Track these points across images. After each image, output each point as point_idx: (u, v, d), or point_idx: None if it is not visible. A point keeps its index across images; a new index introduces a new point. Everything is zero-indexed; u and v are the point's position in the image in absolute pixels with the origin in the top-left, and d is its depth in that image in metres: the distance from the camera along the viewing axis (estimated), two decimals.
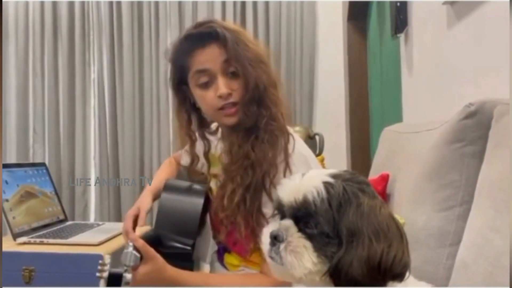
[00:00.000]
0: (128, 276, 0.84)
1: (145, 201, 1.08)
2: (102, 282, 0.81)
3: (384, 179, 1.23)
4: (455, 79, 1.26)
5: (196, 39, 1.00)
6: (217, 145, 1.13)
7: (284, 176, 0.96)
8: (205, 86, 1.01)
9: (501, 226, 0.64)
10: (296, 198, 0.57)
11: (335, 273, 0.54)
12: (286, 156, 0.98)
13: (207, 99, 1.02)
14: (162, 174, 1.26)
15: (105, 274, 0.81)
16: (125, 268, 0.84)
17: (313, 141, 2.36)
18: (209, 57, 0.99)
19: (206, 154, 1.13)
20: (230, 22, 1.06)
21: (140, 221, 1.05)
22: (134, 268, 0.93)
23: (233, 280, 1.04)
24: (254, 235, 0.99)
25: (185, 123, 1.10)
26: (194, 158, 1.12)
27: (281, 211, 0.61)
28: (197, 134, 1.12)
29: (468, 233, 0.76)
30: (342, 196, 0.56)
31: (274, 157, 0.98)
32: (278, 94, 1.02)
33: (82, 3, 3.22)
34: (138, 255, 0.86)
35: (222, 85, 0.99)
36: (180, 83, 1.07)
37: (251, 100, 0.99)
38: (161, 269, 0.96)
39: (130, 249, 0.86)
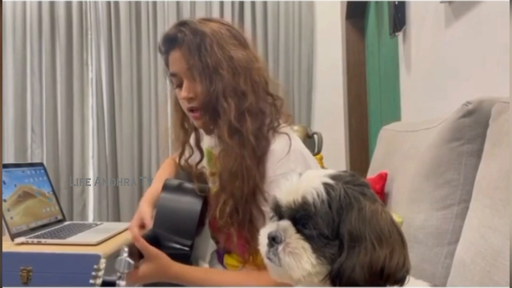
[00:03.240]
0: (122, 283, 0.84)
1: (145, 211, 1.09)
2: None
3: (382, 178, 1.23)
4: (453, 77, 1.26)
5: (167, 41, 1.04)
6: (217, 146, 1.13)
7: (262, 190, 0.96)
8: (178, 87, 1.05)
9: (499, 225, 0.64)
10: (295, 199, 0.57)
11: (336, 277, 0.54)
12: (254, 168, 0.97)
13: (180, 99, 1.06)
14: (162, 175, 1.27)
15: (99, 281, 0.81)
16: (119, 275, 0.84)
17: (311, 140, 2.36)
18: (174, 62, 1.03)
19: (198, 144, 1.14)
20: (212, 21, 1.04)
21: (147, 227, 1.07)
22: (136, 267, 0.94)
23: (238, 276, 1.04)
24: (249, 245, 0.99)
25: (181, 116, 1.11)
26: (184, 146, 1.13)
27: (279, 212, 0.60)
28: (191, 124, 1.12)
29: (466, 231, 0.76)
30: (344, 199, 0.55)
31: (241, 170, 0.96)
32: (241, 103, 0.98)
33: (80, 3, 3.21)
34: (132, 262, 0.86)
35: (184, 89, 1.02)
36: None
37: (207, 107, 1.01)
38: (166, 266, 0.97)
39: (125, 255, 0.86)
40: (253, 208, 0.97)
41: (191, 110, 1.04)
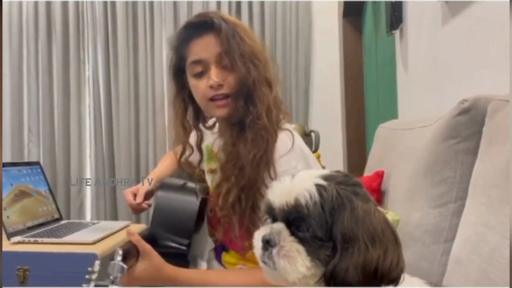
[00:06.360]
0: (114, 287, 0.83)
1: (145, 182, 1.19)
2: None
3: (379, 176, 1.23)
4: (450, 75, 1.27)
5: (194, 27, 1.02)
6: (215, 142, 1.13)
7: (270, 177, 0.96)
8: (199, 75, 1.02)
9: (495, 223, 0.64)
10: (287, 201, 0.56)
11: (330, 279, 0.54)
12: (271, 156, 0.97)
13: (199, 88, 1.02)
14: (162, 165, 1.30)
15: (90, 285, 0.80)
16: (112, 279, 0.84)
17: (309, 138, 2.36)
18: (204, 47, 1.00)
19: (199, 145, 1.13)
20: (232, 17, 1.06)
21: (138, 198, 1.16)
22: (131, 266, 0.93)
23: (232, 276, 1.03)
24: (249, 235, 0.98)
25: (181, 112, 1.10)
26: (185, 147, 1.12)
27: (272, 214, 0.60)
28: (191, 124, 1.11)
29: (462, 229, 0.77)
30: (336, 200, 0.55)
31: (261, 157, 0.97)
32: (269, 93, 1.01)
33: (76, 1, 3.20)
34: (125, 266, 0.85)
35: (213, 75, 0.99)
36: (179, 71, 1.07)
37: (239, 94, 1.00)
38: (159, 267, 0.96)
39: (118, 259, 0.85)
40: (257, 195, 0.97)
41: (214, 99, 1.01)
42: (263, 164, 0.97)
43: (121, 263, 0.84)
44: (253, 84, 0.99)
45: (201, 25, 1.00)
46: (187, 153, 1.13)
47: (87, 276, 0.80)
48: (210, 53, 0.99)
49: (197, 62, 1.01)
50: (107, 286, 0.81)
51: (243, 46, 0.99)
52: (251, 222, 0.97)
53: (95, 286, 0.80)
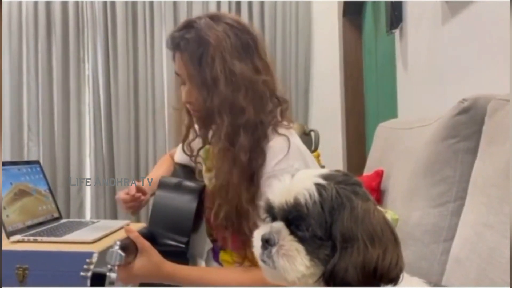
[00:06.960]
0: (112, 275, 0.83)
1: (134, 185, 1.15)
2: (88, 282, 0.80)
3: (379, 175, 1.24)
4: (450, 75, 1.27)
5: (171, 43, 1.03)
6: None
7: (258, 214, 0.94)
8: (183, 84, 1.04)
9: (494, 222, 0.64)
10: (287, 200, 0.56)
11: (329, 279, 0.54)
12: (250, 187, 0.96)
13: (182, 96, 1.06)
14: (158, 170, 1.29)
15: (89, 274, 0.80)
16: (110, 267, 0.83)
17: (308, 138, 2.36)
18: (178, 63, 1.02)
19: None
20: (222, 22, 0.99)
21: (131, 191, 1.13)
22: (127, 263, 0.93)
23: (231, 274, 1.03)
24: (244, 246, 0.98)
25: None
26: (189, 131, 1.13)
27: (272, 213, 0.60)
28: None
29: (461, 229, 0.77)
30: (335, 200, 0.55)
31: (239, 185, 0.95)
32: (228, 123, 0.96)
33: (76, 1, 3.20)
34: (123, 254, 0.85)
35: (184, 93, 1.03)
36: None
37: (202, 118, 1.03)
38: (158, 264, 0.96)
39: (116, 248, 0.85)
40: (247, 221, 0.96)
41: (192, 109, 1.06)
42: (231, 195, 0.96)
43: (120, 251, 0.84)
44: (212, 111, 0.97)
45: (172, 44, 1.01)
46: (190, 137, 1.14)
47: (85, 266, 0.81)
48: (181, 71, 1.01)
49: (177, 73, 1.04)
50: (105, 273, 0.81)
51: (206, 71, 0.95)
52: (245, 240, 0.95)
53: (93, 274, 0.80)
